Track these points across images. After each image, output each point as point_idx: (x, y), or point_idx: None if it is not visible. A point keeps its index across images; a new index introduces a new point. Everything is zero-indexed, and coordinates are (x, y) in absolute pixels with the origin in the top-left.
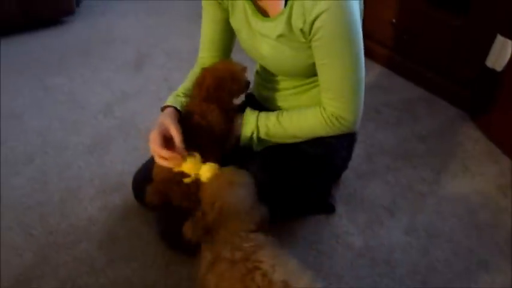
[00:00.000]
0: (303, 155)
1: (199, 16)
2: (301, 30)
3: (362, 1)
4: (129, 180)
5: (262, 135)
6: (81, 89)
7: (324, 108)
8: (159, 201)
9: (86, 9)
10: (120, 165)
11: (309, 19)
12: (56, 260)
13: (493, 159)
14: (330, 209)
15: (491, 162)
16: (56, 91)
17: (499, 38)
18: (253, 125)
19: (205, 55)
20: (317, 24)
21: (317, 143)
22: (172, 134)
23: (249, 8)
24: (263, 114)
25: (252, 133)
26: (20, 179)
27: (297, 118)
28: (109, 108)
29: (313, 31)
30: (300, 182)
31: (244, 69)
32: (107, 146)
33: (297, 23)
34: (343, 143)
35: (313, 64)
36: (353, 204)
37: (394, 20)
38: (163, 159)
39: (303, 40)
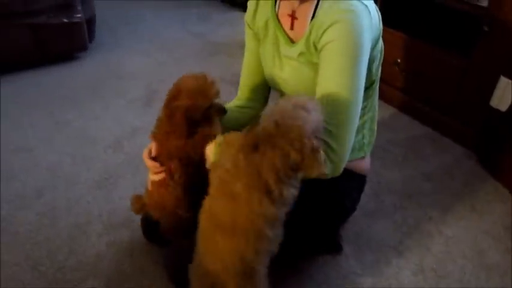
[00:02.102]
0: (313, 197)
1: (208, 53)
2: (314, 43)
3: (381, 42)
4: (137, 216)
5: None
6: (91, 124)
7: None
8: (139, 212)
9: (99, 45)
10: (128, 200)
11: (320, 32)
12: None
13: (500, 199)
14: (337, 249)
15: (498, 202)
16: (67, 126)
17: (503, 79)
18: None
19: (244, 83)
20: (325, 37)
21: (328, 184)
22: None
23: (282, 37)
24: None
25: None
26: (29, 213)
27: None
28: (119, 143)
29: (321, 43)
30: (308, 223)
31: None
32: (116, 182)
33: (313, 37)
34: (353, 185)
35: None
36: (360, 243)
37: (399, 60)
38: (155, 172)
39: (316, 55)
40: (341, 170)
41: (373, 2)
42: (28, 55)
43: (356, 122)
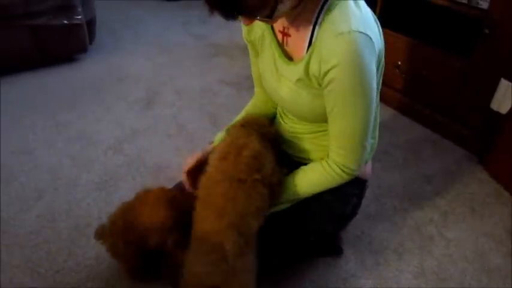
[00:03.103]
0: (314, 201)
1: (209, 56)
2: (317, 75)
3: (382, 38)
4: None
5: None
6: (92, 126)
7: (328, 158)
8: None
9: (99, 47)
10: None
11: (323, 70)
12: None
13: (501, 202)
14: (337, 252)
15: (499, 205)
16: (67, 128)
17: (503, 82)
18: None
19: (258, 90)
20: (329, 76)
21: (328, 189)
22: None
23: (276, 51)
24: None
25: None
26: (29, 215)
27: (306, 180)
28: (119, 145)
29: (324, 82)
30: (309, 228)
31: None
32: (116, 184)
33: (313, 69)
34: (354, 190)
35: None
36: (361, 246)
37: (399, 62)
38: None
39: (318, 87)
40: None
41: (372, 16)
42: (28, 56)
43: (369, 138)
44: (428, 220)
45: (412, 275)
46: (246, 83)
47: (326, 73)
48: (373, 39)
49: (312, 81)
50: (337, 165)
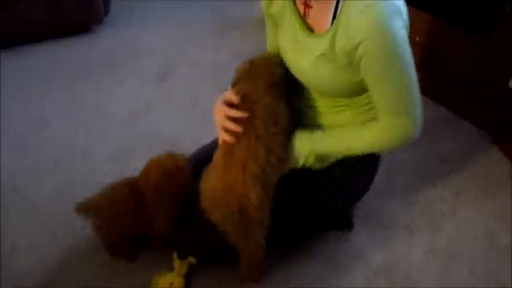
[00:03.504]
0: (327, 176)
1: (224, 29)
2: (346, 50)
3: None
4: None
5: (317, 157)
6: (106, 98)
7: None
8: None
9: (114, 18)
10: None
11: (353, 43)
12: (78, 265)
13: None
14: (348, 226)
15: None
16: (82, 99)
17: None
18: (306, 152)
19: None
20: (360, 50)
21: (341, 164)
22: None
23: (297, 22)
24: (316, 137)
25: (307, 159)
26: (46, 183)
27: (360, 136)
28: (133, 117)
29: (356, 56)
30: (321, 202)
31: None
32: (131, 154)
33: (341, 43)
34: (367, 165)
35: (352, 85)
36: (371, 221)
37: (417, 39)
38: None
39: (345, 62)
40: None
41: None
42: (43, 27)
43: (419, 96)
44: (440, 198)
45: (421, 251)
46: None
47: (356, 47)
48: (401, 8)
49: (338, 56)
50: (400, 131)
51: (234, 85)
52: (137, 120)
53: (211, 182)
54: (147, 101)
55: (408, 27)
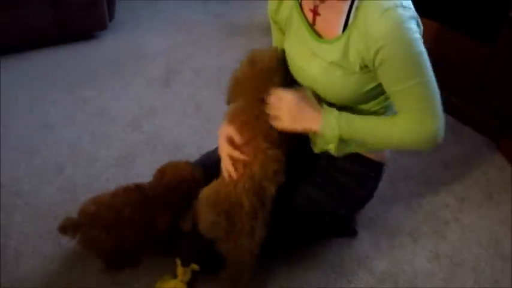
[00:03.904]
0: (331, 182)
1: (228, 34)
2: (362, 56)
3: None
4: None
5: (345, 135)
6: (111, 103)
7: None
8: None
9: (118, 24)
10: (146, 179)
11: (372, 49)
12: (82, 270)
13: None
14: (352, 233)
15: None
16: (87, 104)
17: None
18: (335, 125)
19: None
20: (379, 56)
21: (346, 171)
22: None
23: (305, 30)
24: (344, 114)
25: (333, 134)
26: (50, 188)
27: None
28: (137, 122)
29: (376, 63)
30: (324, 209)
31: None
32: (134, 160)
33: (357, 49)
34: (371, 173)
35: (361, 93)
36: (375, 228)
37: None
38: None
39: (357, 69)
40: (439, 140)
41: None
42: (48, 33)
43: (439, 96)
44: (444, 205)
45: (426, 259)
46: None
47: (376, 53)
48: (412, 12)
49: (350, 63)
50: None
51: (228, 98)
52: (141, 125)
53: (207, 189)
54: (150, 106)
55: (422, 33)
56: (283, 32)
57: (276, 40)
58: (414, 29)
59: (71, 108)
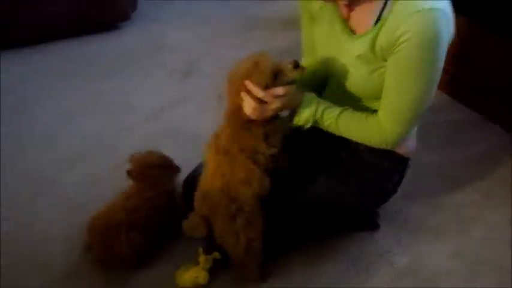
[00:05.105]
0: (356, 176)
1: (248, 28)
2: (384, 50)
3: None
4: (178, 185)
5: (314, 123)
6: (132, 93)
7: (380, 123)
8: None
9: (140, 15)
10: None
11: (395, 42)
12: None
13: None
14: (374, 227)
15: None
16: (108, 94)
17: None
18: (311, 115)
19: (306, 60)
20: (399, 48)
21: (371, 165)
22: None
23: (338, 25)
24: (321, 107)
25: (306, 123)
26: (72, 177)
27: (355, 127)
28: (158, 113)
29: (396, 48)
30: (348, 202)
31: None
32: (156, 150)
33: (382, 42)
34: (396, 167)
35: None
36: (397, 223)
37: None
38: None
39: (381, 63)
40: (387, 146)
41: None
42: (70, 24)
43: (415, 121)
44: (468, 202)
45: (448, 255)
46: (283, 57)
47: (397, 45)
48: (451, 20)
49: (376, 55)
50: (382, 128)
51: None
52: (162, 116)
53: (204, 176)
54: (171, 97)
55: (451, 40)
56: (313, 22)
57: (304, 30)
58: (444, 37)
59: (93, 98)
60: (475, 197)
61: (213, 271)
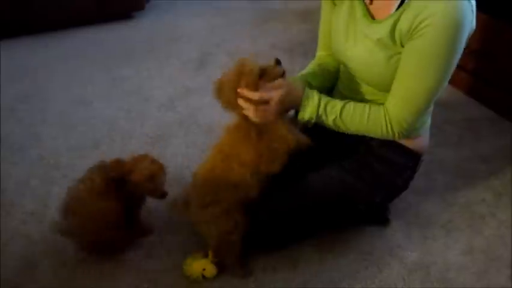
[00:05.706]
0: (368, 170)
1: (262, 20)
2: (404, 34)
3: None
4: (188, 174)
5: (318, 119)
6: (146, 82)
7: (387, 112)
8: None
9: (155, 5)
10: (180, 158)
11: (416, 26)
12: None
13: None
14: (385, 222)
15: None
16: (123, 82)
17: None
18: (314, 111)
19: (321, 53)
20: (419, 32)
21: (384, 160)
22: None
23: (360, 10)
24: (324, 100)
25: (310, 118)
26: (87, 162)
27: (359, 120)
28: (172, 102)
29: (416, 34)
30: (361, 195)
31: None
32: (168, 139)
33: (403, 26)
34: (409, 163)
35: None
36: (408, 219)
37: None
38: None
39: (399, 49)
40: (393, 137)
41: None
42: (88, 12)
43: (426, 110)
44: (480, 200)
45: (459, 252)
46: (298, 49)
47: (420, 29)
48: (475, 9)
49: (395, 41)
50: (397, 122)
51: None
52: (175, 105)
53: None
54: (185, 87)
55: (472, 32)
56: (334, 6)
57: (324, 13)
58: (467, 24)
59: (108, 86)
60: (487, 195)
61: (221, 264)
